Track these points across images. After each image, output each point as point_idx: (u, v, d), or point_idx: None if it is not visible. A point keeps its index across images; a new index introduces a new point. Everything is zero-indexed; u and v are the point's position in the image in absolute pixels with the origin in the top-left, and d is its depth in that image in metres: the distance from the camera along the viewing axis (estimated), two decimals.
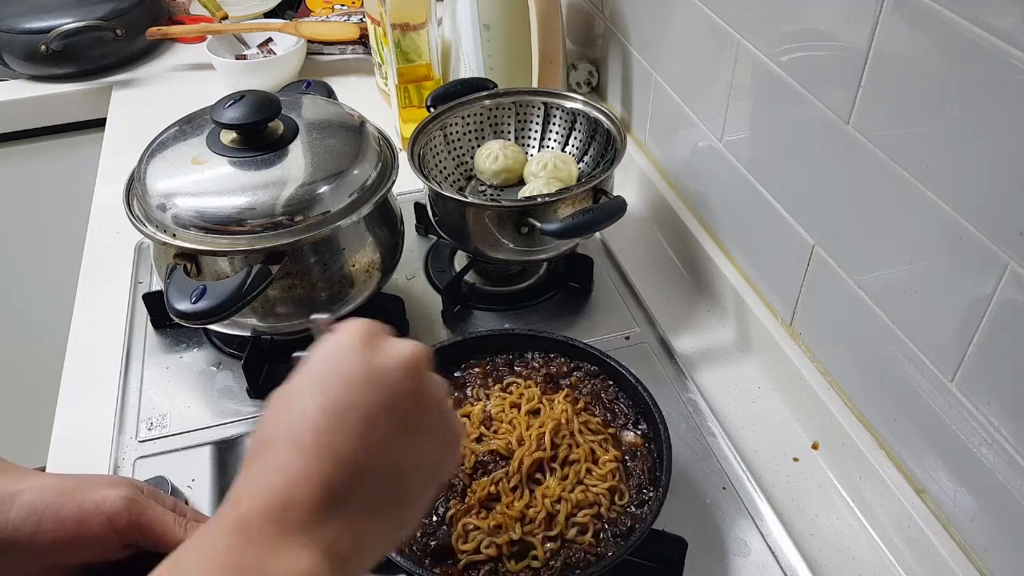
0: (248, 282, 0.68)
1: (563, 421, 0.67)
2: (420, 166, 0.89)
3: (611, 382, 0.73)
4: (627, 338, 0.88)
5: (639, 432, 0.69)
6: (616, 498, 0.64)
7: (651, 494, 0.64)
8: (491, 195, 0.98)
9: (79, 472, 0.76)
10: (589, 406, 0.71)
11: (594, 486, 0.64)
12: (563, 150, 0.99)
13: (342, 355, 0.43)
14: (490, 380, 0.73)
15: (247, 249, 0.71)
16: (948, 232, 0.57)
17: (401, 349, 0.44)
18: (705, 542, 0.69)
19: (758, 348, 0.85)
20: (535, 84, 1.03)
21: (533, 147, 1.01)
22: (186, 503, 0.71)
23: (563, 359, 0.75)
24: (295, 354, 0.47)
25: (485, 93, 0.98)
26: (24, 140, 1.38)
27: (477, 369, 0.75)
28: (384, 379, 0.43)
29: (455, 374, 0.75)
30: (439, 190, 0.84)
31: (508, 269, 0.96)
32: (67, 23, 1.29)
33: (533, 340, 0.76)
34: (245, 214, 0.71)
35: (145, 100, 1.34)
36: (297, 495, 0.39)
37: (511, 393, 0.71)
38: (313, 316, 0.48)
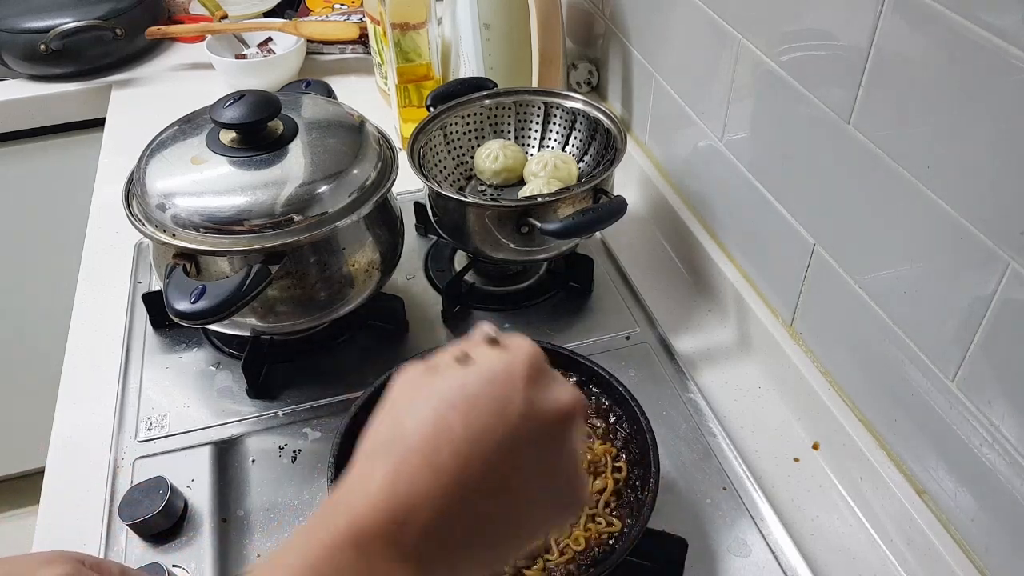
0: (247, 282, 0.68)
1: None
2: (420, 166, 0.88)
3: (597, 383, 0.73)
4: (627, 338, 0.88)
5: (624, 431, 0.69)
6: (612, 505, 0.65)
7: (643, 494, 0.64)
8: (491, 195, 0.98)
9: (76, 472, 0.76)
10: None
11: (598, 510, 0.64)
12: (563, 150, 0.99)
13: (506, 381, 0.40)
14: None
15: (246, 249, 0.71)
16: (949, 232, 0.57)
17: (563, 395, 0.42)
18: (705, 542, 0.69)
19: (758, 348, 0.85)
20: (535, 84, 1.03)
21: (533, 147, 1.00)
22: (185, 503, 0.72)
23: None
24: (483, 324, 0.45)
25: (485, 93, 0.98)
26: (24, 140, 1.38)
27: None
28: (538, 420, 0.40)
29: None
30: (439, 190, 0.84)
31: (508, 269, 0.96)
32: (67, 23, 1.29)
33: None
34: (244, 214, 0.71)
35: (145, 100, 1.34)
36: (419, 514, 0.37)
37: None
38: (482, 323, 0.46)
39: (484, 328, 0.45)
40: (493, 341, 0.44)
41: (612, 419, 0.70)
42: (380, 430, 0.41)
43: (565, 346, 0.75)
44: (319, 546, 0.36)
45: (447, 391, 0.40)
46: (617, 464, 0.66)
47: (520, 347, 0.43)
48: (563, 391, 0.42)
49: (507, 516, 0.40)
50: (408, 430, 0.39)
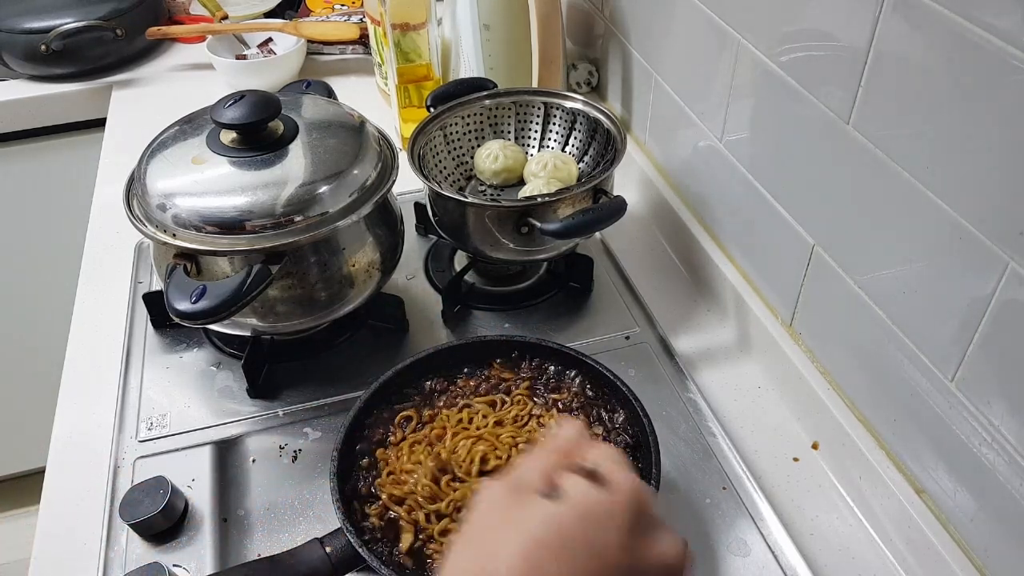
0: (248, 282, 0.68)
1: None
2: (420, 166, 0.88)
3: (598, 383, 0.73)
4: (627, 338, 0.88)
5: (628, 433, 0.69)
6: None
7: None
8: (491, 195, 0.98)
9: (77, 471, 0.76)
10: (578, 410, 0.71)
11: None
12: (563, 150, 0.99)
13: (605, 524, 0.36)
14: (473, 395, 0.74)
15: (247, 249, 0.71)
16: (948, 232, 0.57)
17: (668, 547, 0.39)
18: (705, 542, 0.69)
19: (758, 348, 0.85)
20: (535, 84, 1.03)
21: (533, 147, 1.01)
22: (186, 503, 0.72)
23: (546, 363, 0.75)
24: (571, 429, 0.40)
25: (485, 93, 0.98)
26: (24, 140, 1.38)
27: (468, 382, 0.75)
28: (638, 573, 0.37)
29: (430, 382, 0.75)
30: (439, 190, 0.84)
31: (508, 269, 0.96)
32: (67, 23, 1.29)
33: (508, 346, 0.76)
34: (245, 214, 0.71)
35: (145, 100, 1.34)
36: None
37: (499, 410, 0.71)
38: (569, 425, 0.41)
39: (584, 454, 0.39)
40: (591, 474, 0.39)
41: (616, 420, 0.70)
42: (464, 556, 0.37)
43: (568, 345, 0.75)
44: None
45: (538, 527, 0.36)
46: None
47: (622, 485, 0.38)
48: (668, 543, 0.38)
49: None
50: (499, 567, 0.35)
